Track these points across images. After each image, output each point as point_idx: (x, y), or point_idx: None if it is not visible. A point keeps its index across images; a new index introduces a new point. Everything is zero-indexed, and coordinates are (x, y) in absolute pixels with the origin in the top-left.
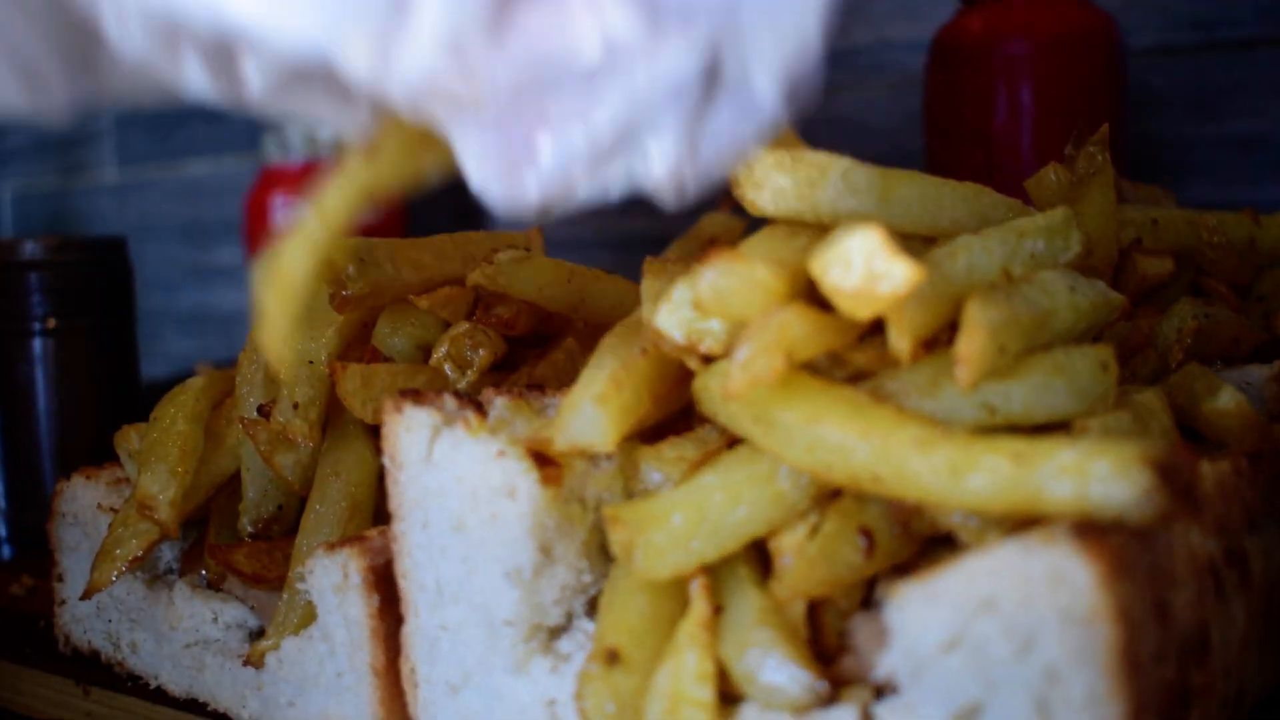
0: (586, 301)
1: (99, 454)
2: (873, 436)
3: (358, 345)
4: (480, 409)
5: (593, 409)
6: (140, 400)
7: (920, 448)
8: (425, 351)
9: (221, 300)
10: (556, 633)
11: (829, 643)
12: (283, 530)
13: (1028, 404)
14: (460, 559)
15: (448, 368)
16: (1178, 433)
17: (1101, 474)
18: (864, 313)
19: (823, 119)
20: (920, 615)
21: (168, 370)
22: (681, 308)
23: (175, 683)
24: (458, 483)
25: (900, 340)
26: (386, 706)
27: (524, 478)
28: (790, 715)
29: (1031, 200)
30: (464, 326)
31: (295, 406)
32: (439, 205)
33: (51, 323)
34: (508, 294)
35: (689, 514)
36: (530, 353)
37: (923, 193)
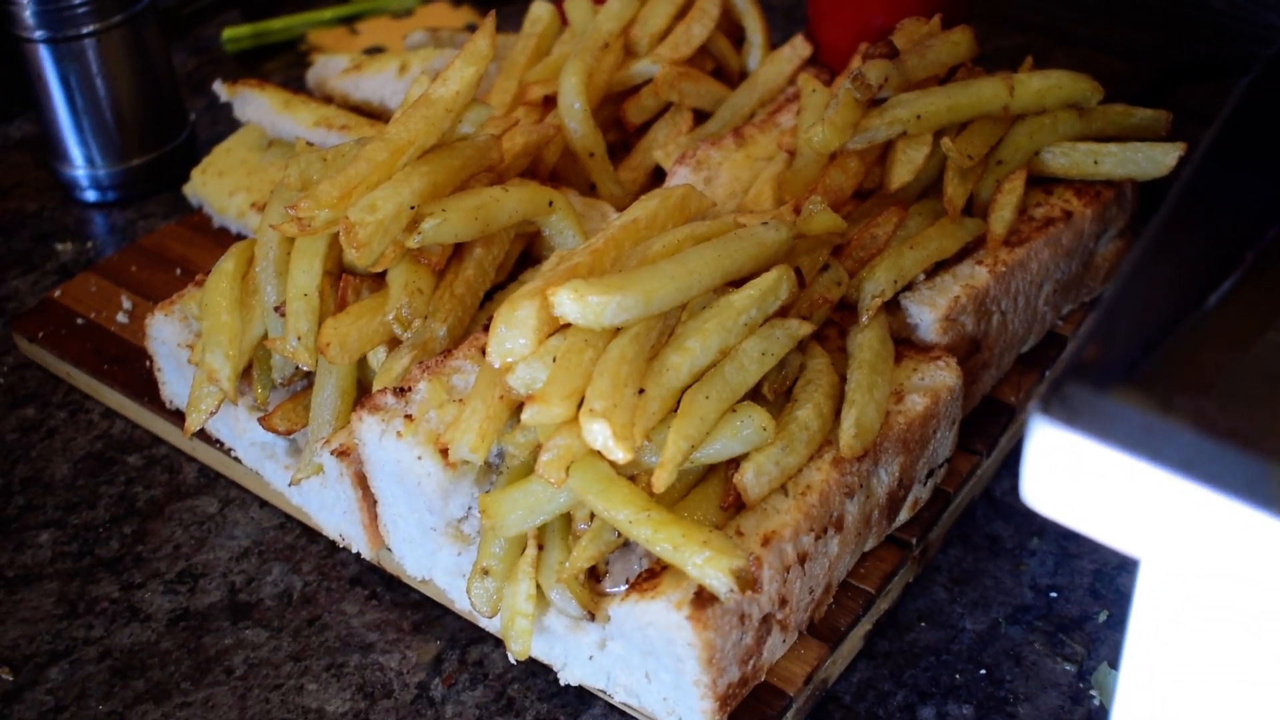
0: (492, 224)
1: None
2: (623, 510)
3: (332, 257)
4: (409, 416)
5: (469, 442)
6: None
7: (648, 525)
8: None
9: None
10: (462, 520)
11: (600, 570)
12: (304, 377)
13: (713, 455)
14: (400, 495)
15: (396, 328)
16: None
17: (711, 573)
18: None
19: None
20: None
21: None
22: (523, 375)
23: (247, 458)
24: (396, 463)
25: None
26: (373, 540)
27: (434, 465)
28: (569, 620)
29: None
30: (403, 300)
31: (299, 338)
32: None
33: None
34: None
35: (526, 504)
36: (450, 267)
37: (675, 285)
